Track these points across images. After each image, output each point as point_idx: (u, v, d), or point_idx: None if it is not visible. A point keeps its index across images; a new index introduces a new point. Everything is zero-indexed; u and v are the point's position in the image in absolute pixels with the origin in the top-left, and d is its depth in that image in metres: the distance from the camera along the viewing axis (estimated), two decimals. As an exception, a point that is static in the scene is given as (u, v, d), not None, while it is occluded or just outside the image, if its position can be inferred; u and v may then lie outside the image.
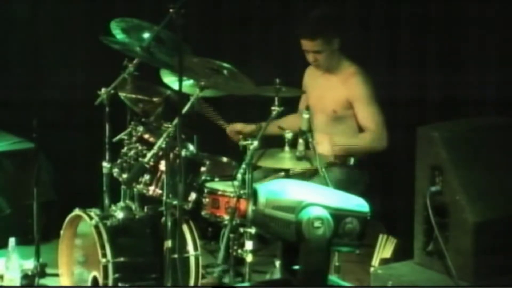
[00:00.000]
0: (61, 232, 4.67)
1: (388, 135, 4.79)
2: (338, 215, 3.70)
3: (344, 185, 4.54)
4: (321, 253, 3.69)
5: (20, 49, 6.22)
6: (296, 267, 3.78)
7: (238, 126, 5.07)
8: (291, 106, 4.79)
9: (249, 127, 4.98)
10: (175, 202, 4.17)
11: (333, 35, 4.79)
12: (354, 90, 4.80)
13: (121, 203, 4.61)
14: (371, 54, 5.47)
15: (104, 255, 4.32)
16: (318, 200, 3.71)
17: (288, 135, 4.45)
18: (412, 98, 5.18)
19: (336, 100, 4.85)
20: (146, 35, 4.72)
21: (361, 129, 4.83)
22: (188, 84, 4.78)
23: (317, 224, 3.64)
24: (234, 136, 5.02)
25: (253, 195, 3.80)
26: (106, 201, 4.65)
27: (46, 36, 6.20)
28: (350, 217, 3.74)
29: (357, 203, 3.80)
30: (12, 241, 4.87)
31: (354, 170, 4.82)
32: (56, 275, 4.80)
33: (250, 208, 3.87)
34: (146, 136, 4.60)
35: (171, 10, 4.00)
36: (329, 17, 4.86)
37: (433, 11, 5.13)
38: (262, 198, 3.71)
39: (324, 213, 3.66)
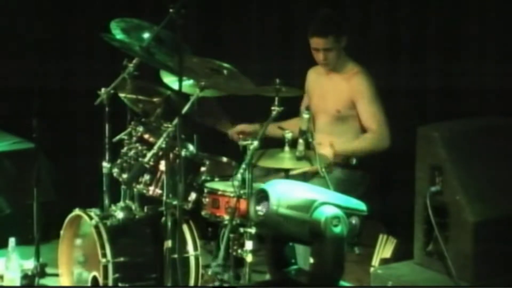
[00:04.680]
0: (61, 232, 4.67)
1: (390, 134, 4.79)
2: (346, 213, 3.73)
3: (346, 186, 4.55)
4: (340, 252, 3.71)
5: (22, 46, 6.22)
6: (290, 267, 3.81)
7: (241, 126, 5.06)
8: (290, 106, 4.79)
9: (251, 127, 4.97)
10: (175, 202, 4.16)
11: (342, 33, 4.81)
12: (357, 89, 4.80)
13: (121, 203, 4.61)
14: (370, 48, 5.48)
15: (104, 255, 4.32)
16: (328, 199, 3.74)
17: (288, 135, 4.46)
18: (412, 90, 5.21)
19: (339, 100, 4.85)
20: (146, 35, 4.72)
21: (363, 129, 4.83)
22: (188, 84, 4.77)
23: (335, 222, 3.66)
24: (237, 137, 4.99)
25: (263, 196, 3.80)
26: (106, 201, 4.64)
27: (47, 35, 6.21)
28: (354, 215, 3.77)
29: (357, 202, 3.83)
30: (12, 241, 4.87)
31: (356, 171, 4.81)
32: (56, 275, 4.80)
33: (253, 208, 3.86)
34: (146, 136, 4.60)
35: (171, 10, 4.00)
36: (338, 16, 4.90)
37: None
38: (274, 198, 3.72)
39: (339, 212, 3.68)
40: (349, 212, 3.78)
